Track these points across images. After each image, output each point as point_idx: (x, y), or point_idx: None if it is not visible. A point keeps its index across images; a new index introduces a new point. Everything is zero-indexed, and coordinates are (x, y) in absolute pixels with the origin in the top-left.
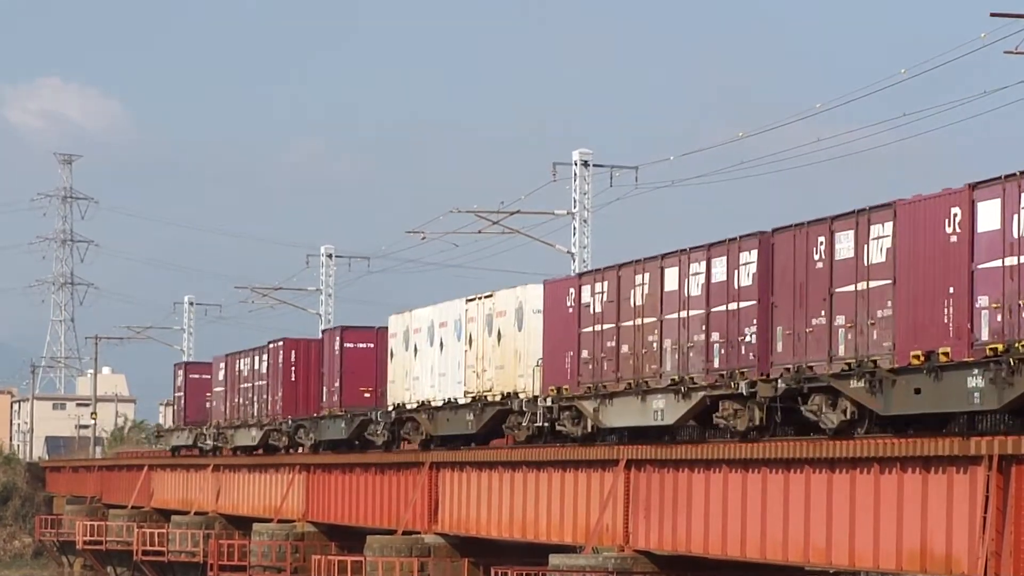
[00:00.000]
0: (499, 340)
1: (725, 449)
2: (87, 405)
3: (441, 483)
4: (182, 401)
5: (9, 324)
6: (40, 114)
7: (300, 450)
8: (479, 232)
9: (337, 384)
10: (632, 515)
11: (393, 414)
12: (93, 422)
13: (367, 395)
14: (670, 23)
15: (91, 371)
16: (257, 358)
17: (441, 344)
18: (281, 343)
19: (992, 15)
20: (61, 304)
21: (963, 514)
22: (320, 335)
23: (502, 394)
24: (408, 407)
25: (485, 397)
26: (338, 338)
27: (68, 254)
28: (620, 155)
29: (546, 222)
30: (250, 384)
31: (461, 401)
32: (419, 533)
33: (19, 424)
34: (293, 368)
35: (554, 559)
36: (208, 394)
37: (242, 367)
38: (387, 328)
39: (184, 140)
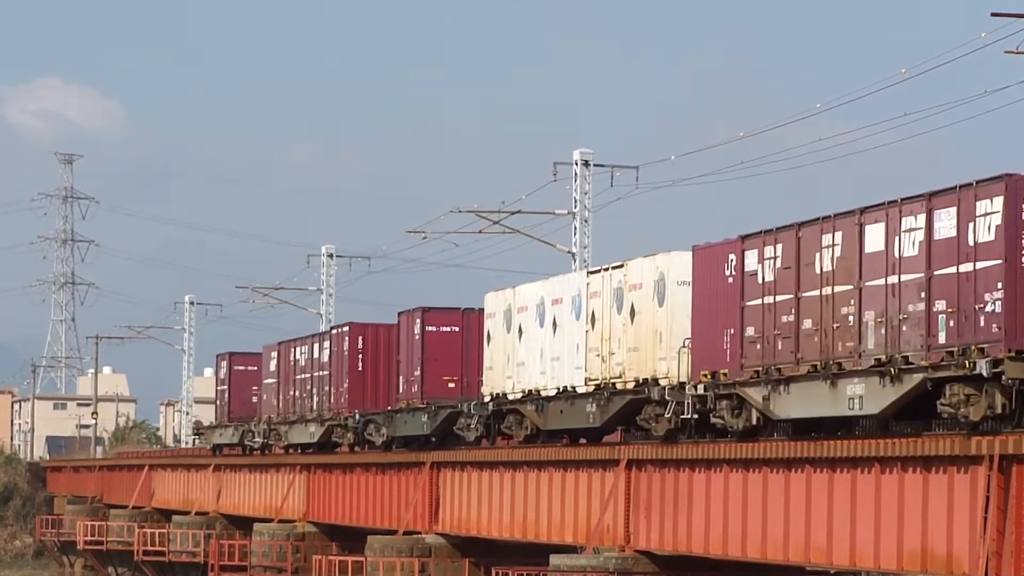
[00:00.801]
0: (632, 317)
1: (726, 449)
2: (88, 405)
3: (442, 483)
4: (226, 395)
5: (10, 324)
6: (40, 114)
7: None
8: (480, 232)
9: (418, 373)
10: (633, 515)
11: (491, 406)
12: (94, 422)
13: (451, 385)
14: (671, 23)
15: (92, 371)
16: (317, 346)
17: (554, 324)
18: (347, 328)
19: (992, 15)
20: (62, 304)
21: (964, 514)
22: (325, 329)
23: (636, 381)
24: (510, 397)
25: (613, 385)
26: (419, 321)
27: (69, 254)
28: (620, 155)
29: (546, 222)
30: (308, 375)
31: (581, 389)
32: (420, 533)
33: (20, 424)
34: (360, 356)
35: (555, 559)
36: (255, 387)
37: (298, 356)
38: (474, 310)
39: (184, 140)
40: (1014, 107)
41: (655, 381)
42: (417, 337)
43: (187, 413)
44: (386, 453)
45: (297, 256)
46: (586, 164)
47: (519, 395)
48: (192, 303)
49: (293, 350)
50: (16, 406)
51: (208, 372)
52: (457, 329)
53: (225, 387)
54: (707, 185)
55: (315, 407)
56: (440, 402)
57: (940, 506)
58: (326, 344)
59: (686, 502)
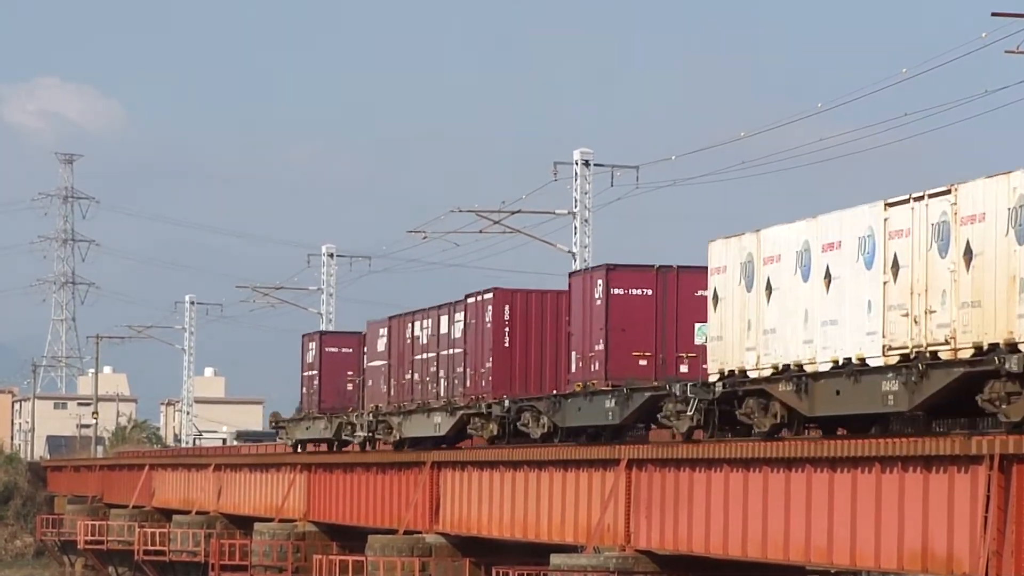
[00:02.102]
0: (967, 261)
1: (726, 448)
2: (88, 404)
3: (442, 483)
4: (315, 382)
5: (10, 324)
6: (39, 114)
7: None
8: (480, 232)
9: (600, 347)
10: (634, 515)
11: (719, 387)
12: (94, 422)
13: (643, 363)
14: (671, 23)
15: (92, 370)
16: (445, 319)
17: (827, 276)
18: (490, 296)
19: (993, 15)
20: (62, 303)
21: (964, 514)
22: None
23: (975, 347)
24: (752, 375)
25: (932, 354)
26: (601, 283)
27: (69, 253)
28: (621, 155)
29: (547, 222)
30: (433, 354)
31: (875, 362)
32: (420, 533)
33: (20, 424)
34: (507, 328)
35: (555, 559)
36: (350, 372)
37: (418, 332)
38: (671, 268)
39: (184, 140)
40: (1014, 107)
41: (1011, 347)
42: (599, 302)
43: (187, 413)
44: (386, 452)
45: (297, 256)
46: (586, 164)
47: (767, 372)
48: (192, 303)
49: (411, 325)
50: (17, 406)
51: (208, 372)
52: (650, 292)
53: (314, 372)
54: (708, 185)
55: (443, 393)
56: (633, 383)
57: (941, 506)
58: (458, 316)
59: (687, 502)
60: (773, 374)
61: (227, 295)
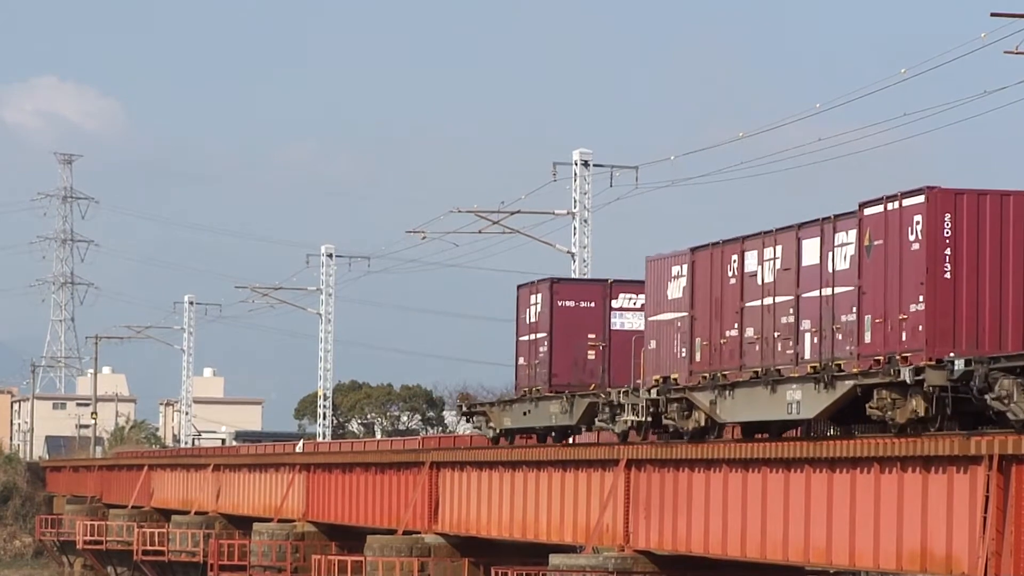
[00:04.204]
0: None
1: (725, 449)
2: (87, 405)
3: (441, 483)
4: (542, 350)
5: (9, 324)
6: (37, 113)
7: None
8: (479, 232)
9: None
10: (632, 515)
11: None
12: (93, 422)
13: None
14: (671, 22)
15: (91, 371)
16: (813, 244)
17: None
18: (920, 199)
19: (992, 15)
20: (61, 304)
21: (963, 514)
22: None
23: None
24: None
25: None
26: None
27: (68, 254)
28: (621, 155)
29: (546, 222)
30: (788, 297)
31: None
32: (419, 533)
33: (19, 424)
34: (948, 251)
35: (554, 559)
36: (591, 336)
37: (752, 267)
38: None
39: (184, 140)
40: (1014, 107)
41: None
42: None
43: (186, 413)
44: (386, 452)
45: (297, 256)
46: (586, 164)
47: None
48: (191, 303)
49: (735, 258)
50: (15, 406)
51: (207, 372)
52: None
53: (542, 335)
54: (708, 185)
55: (807, 354)
56: None
57: (939, 506)
58: (843, 237)
59: (686, 502)
60: None
61: (227, 295)
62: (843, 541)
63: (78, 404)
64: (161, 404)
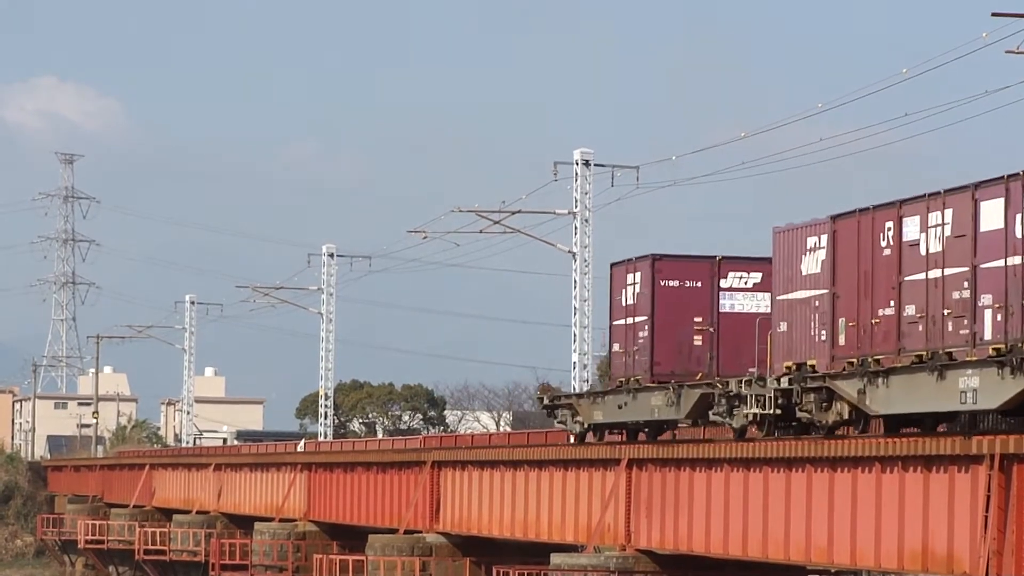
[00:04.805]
0: None
1: (726, 448)
2: (89, 404)
3: (443, 482)
4: (642, 334)
5: (11, 324)
6: (37, 113)
7: None
8: (480, 232)
9: None
10: (634, 514)
11: None
12: (95, 421)
13: None
14: (671, 22)
15: (93, 370)
16: (995, 206)
17: None
18: None
19: (993, 15)
20: (63, 303)
21: (964, 513)
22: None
23: None
24: None
25: None
26: None
27: (69, 253)
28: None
29: (547, 221)
30: (961, 268)
31: None
32: (421, 532)
33: (21, 423)
34: None
35: (556, 558)
36: (698, 319)
37: (912, 234)
38: None
39: (184, 140)
40: (1014, 107)
41: None
42: None
43: (188, 412)
44: (387, 452)
45: (298, 256)
46: (586, 164)
47: None
48: (192, 303)
49: (891, 225)
50: (17, 405)
51: (208, 371)
52: None
53: (642, 319)
54: (709, 185)
55: (988, 334)
56: None
57: (941, 505)
58: None
59: (687, 501)
60: None
61: (227, 295)
62: (845, 540)
63: (79, 404)
64: (162, 404)
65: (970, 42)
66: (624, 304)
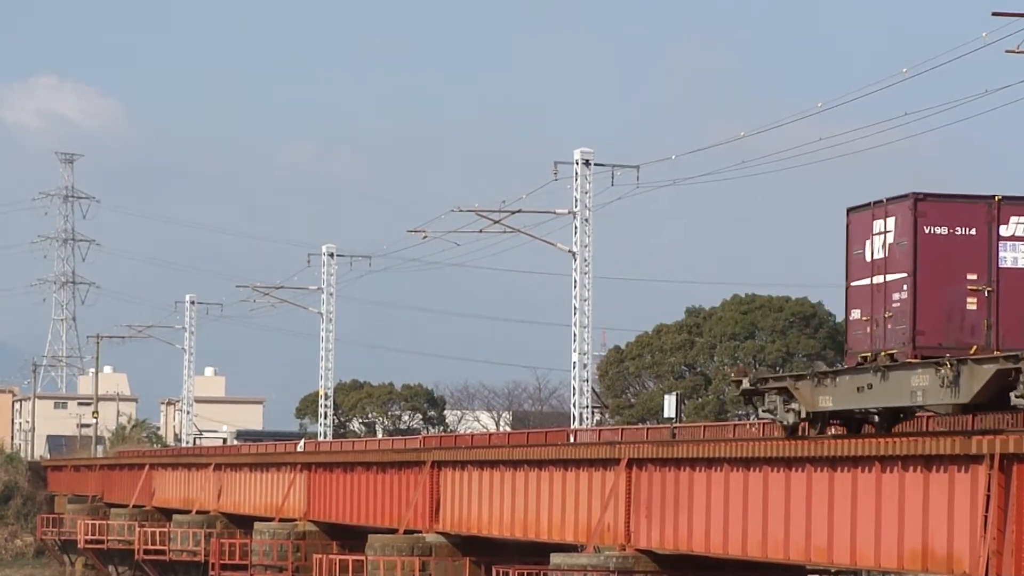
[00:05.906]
0: None
1: (726, 448)
2: (88, 404)
3: (442, 482)
4: (903, 297)
5: (10, 323)
6: (37, 113)
7: None
8: (480, 231)
9: None
10: (634, 514)
11: None
12: (95, 421)
13: None
14: (671, 22)
15: (93, 370)
16: None
17: None
18: None
19: (993, 14)
20: (63, 303)
21: (964, 513)
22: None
23: None
24: None
25: None
26: None
27: (69, 253)
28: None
29: (547, 221)
30: None
31: None
32: (420, 532)
33: (21, 423)
34: None
35: (555, 558)
36: (972, 277)
37: None
38: None
39: (184, 140)
40: (1014, 107)
41: None
42: None
43: (188, 412)
44: (387, 452)
45: (298, 255)
46: (587, 163)
47: None
48: (193, 302)
49: None
50: (17, 405)
51: (208, 371)
52: None
53: (900, 278)
54: (709, 184)
55: None
56: None
57: (941, 505)
58: None
59: (687, 501)
60: None
61: (227, 295)
62: (844, 540)
63: (79, 403)
64: (162, 403)
65: (970, 42)
66: (868, 259)
